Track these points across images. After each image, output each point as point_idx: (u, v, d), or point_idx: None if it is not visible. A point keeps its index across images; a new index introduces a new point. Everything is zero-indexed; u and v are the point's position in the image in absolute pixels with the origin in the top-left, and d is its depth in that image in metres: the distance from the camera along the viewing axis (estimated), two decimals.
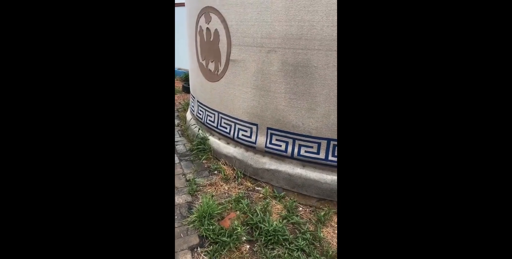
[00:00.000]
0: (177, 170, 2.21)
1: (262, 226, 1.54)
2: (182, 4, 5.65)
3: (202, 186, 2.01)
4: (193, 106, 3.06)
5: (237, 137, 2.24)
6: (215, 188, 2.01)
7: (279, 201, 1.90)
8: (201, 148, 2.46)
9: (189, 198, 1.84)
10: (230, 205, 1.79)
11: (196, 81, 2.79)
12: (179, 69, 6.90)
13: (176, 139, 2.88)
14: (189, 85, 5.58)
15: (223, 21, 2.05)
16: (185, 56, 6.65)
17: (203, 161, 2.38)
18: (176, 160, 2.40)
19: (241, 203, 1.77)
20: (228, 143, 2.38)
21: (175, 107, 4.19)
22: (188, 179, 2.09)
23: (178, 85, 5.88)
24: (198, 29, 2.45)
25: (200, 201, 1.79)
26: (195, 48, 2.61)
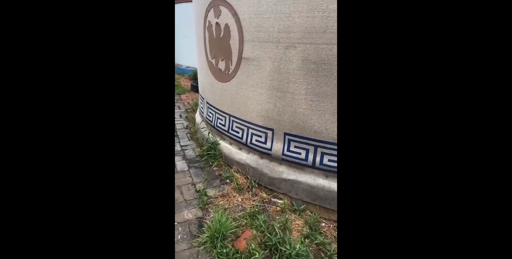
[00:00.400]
0: (186, 179, 2.04)
1: (283, 249, 1.34)
2: (189, 0, 5.46)
3: (213, 198, 1.83)
4: (202, 108, 2.87)
5: (250, 142, 2.05)
6: (227, 200, 1.82)
7: (299, 215, 1.69)
8: (212, 154, 2.28)
9: (200, 213, 1.66)
10: (245, 220, 1.61)
11: (205, 81, 2.60)
12: (187, 67, 6.75)
13: (185, 143, 2.72)
14: (197, 84, 5.45)
15: (235, 14, 1.83)
16: (193, 54, 6.53)
17: (214, 168, 2.20)
18: (185, 167, 2.23)
19: (257, 219, 1.57)
20: (240, 149, 2.19)
21: (184, 107, 4.03)
22: (198, 189, 1.91)
23: (187, 83, 5.73)
24: (207, 24, 2.25)
25: (212, 216, 1.61)
26: (204, 46, 2.42)
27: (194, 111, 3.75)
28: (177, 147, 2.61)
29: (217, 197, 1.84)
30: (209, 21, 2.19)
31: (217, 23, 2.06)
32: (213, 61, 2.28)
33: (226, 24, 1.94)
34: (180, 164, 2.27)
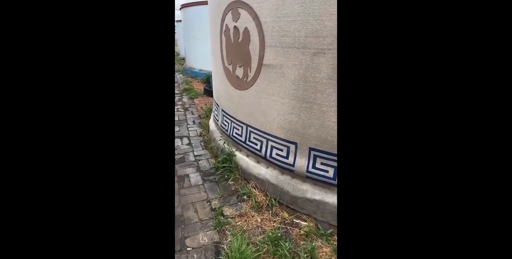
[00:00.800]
0: (201, 195, 1.90)
1: None
2: (205, 2, 5.38)
3: (230, 217, 1.68)
4: (217, 115, 2.74)
5: (270, 156, 1.88)
6: (245, 220, 1.66)
7: (326, 241, 1.51)
8: (227, 167, 2.14)
9: (216, 237, 1.51)
10: (266, 246, 1.44)
11: (221, 87, 2.46)
12: (200, 70, 6.69)
13: (198, 153, 2.59)
14: (211, 87, 5.35)
15: (255, 17, 1.68)
16: (206, 57, 6.44)
17: (230, 183, 2.05)
18: (200, 180, 2.10)
19: (280, 247, 1.41)
20: (258, 162, 2.03)
21: (197, 112, 3.92)
22: (213, 207, 1.77)
23: (200, 87, 5.65)
24: (224, 28, 2.11)
25: (229, 240, 1.46)
26: (220, 51, 2.28)
27: (208, 117, 3.63)
28: (191, 157, 2.48)
29: (234, 217, 1.68)
30: (226, 25, 2.05)
31: (235, 27, 1.91)
32: (230, 67, 2.14)
33: (246, 28, 1.79)
34: (194, 177, 2.14)
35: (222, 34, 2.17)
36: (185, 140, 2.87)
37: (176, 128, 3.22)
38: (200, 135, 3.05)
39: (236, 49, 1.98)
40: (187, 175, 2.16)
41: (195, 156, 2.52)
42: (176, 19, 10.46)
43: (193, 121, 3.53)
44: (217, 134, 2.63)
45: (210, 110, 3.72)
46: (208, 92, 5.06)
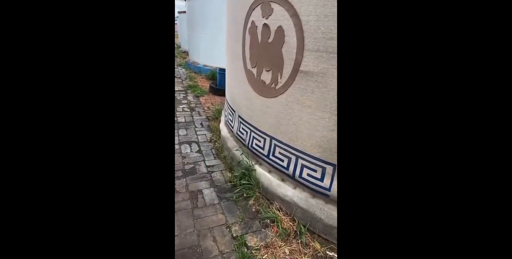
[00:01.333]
0: (218, 218, 1.66)
1: None
2: None
3: (255, 249, 1.44)
4: (231, 120, 2.48)
5: (300, 176, 1.64)
6: (272, 252, 1.43)
7: None
8: (246, 184, 1.89)
9: None
10: None
11: (238, 91, 2.20)
12: (205, 65, 6.37)
13: (210, 163, 2.34)
14: (217, 85, 5.04)
15: (294, 14, 1.41)
16: (212, 52, 6.12)
17: (250, 203, 1.81)
18: (215, 198, 1.85)
19: None
20: (283, 180, 1.79)
21: (204, 113, 3.65)
22: (234, 235, 1.53)
23: (205, 84, 5.35)
24: (249, 25, 1.83)
25: None
26: (242, 50, 2.01)
27: (217, 119, 3.36)
28: (202, 168, 2.23)
29: (259, 248, 1.45)
30: (252, 21, 1.78)
31: (265, 25, 1.64)
32: (254, 70, 1.87)
33: (280, 27, 1.52)
34: (208, 193, 1.90)
35: (246, 31, 1.89)
36: (195, 147, 2.62)
37: (184, 132, 2.95)
38: (210, 141, 2.79)
39: (264, 50, 1.71)
40: (200, 191, 1.91)
41: (207, 166, 2.27)
42: (180, 10, 10.02)
43: (201, 124, 3.26)
44: (231, 143, 2.38)
45: (219, 112, 3.46)
46: (214, 90, 4.78)
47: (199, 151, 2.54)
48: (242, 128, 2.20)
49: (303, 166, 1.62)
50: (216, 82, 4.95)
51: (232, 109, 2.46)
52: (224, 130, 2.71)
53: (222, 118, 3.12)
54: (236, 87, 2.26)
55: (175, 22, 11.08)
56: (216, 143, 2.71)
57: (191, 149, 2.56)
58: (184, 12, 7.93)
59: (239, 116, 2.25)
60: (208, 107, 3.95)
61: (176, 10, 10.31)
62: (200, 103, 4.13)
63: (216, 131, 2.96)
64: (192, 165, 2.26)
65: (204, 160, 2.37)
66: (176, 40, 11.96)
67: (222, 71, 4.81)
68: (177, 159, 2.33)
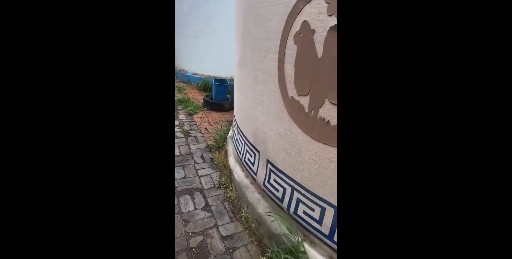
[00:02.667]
0: None
1: None
2: None
3: None
4: (251, 162, 1.76)
5: None
6: None
7: None
8: None
9: None
10: None
11: (270, 127, 1.49)
12: (194, 74, 5.58)
13: (228, 231, 1.59)
14: (212, 99, 4.28)
15: None
16: (202, 59, 5.36)
17: None
18: None
19: None
20: None
21: (203, 139, 2.89)
22: None
23: (196, 96, 4.58)
24: (295, 28, 1.14)
25: None
26: (277, 68, 1.30)
27: (221, 149, 2.62)
28: (217, 244, 1.48)
29: None
30: (304, 22, 1.08)
31: (334, 29, 0.95)
32: (304, 100, 1.17)
33: None
34: None
35: (287, 38, 1.19)
36: (199, 199, 1.86)
37: (181, 172, 2.18)
38: (219, 186, 2.04)
39: (326, 70, 1.01)
40: None
41: (222, 239, 1.52)
42: None
43: (201, 156, 2.50)
44: (253, 195, 1.66)
45: (223, 139, 2.72)
46: (210, 105, 4.02)
47: (207, 207, 1.79)
48: (276, 181, 1.48)
49: None
50: (211, 95, 4.20)
51: (253, 147, 1.73)
52: (237, 172, 1.97)
53: (230, 149, 2.38)
54: (262, 120, 1.55)
55: None
56: (228, 190, 1.97)
57: (194, 204, 1.81)
58: None
59: (269, 162, 1.53)
60: (206, 129, 3.19)
61: None
62: (196, 124, 3.36)
63: (224, 170, 2.21)
64: (201, 238, 1.51)
65: (216, 226, 1.62)
66: None
67: (219, 82, 4.06)
68: (177, 225, 1.57)
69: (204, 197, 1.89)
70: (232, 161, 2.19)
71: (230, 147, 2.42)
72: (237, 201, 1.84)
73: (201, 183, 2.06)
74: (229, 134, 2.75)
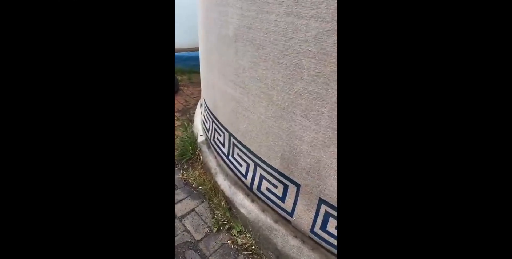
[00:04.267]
0: None
1: None
2: None
3: None
4: (274, 194, 1.10)
5: None
6: None
7: None
8: None
9: None
10: None
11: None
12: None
13: None
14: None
15: None
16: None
17: None
18: None
19: None
20: None
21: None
22: None
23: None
24: None
25: None
26: None
27: (192, 158, 1.81)
28: None
29: None
30: None
31: None
32: None
33: None
34: None
35: None
36: None
37: None
38: (218, 228, 1.33)
39: None
40: None
41: None
42: None
43: None
44: (290, 247, 1.05)
45: (192, 144, 1.89)
46: None
47: None
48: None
49: None
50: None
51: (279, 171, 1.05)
52: (243, 203, 1.29)
53: (209, 158, 1.62)
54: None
55: None
56: (235, 232, 1.29)
57: None
58: None
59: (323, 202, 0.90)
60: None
61: None
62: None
63: (213, 196, 1.47)
64: None
65: None
66: None
67: None
68: None
69: (203, 256, 1.18)
70: (220, 179, 1.47)
71: (208, 156, 1.66)
72: (256, 248, 1.20)
73: (187, 230, 1.31)
74: (199, 136, 1.94)
